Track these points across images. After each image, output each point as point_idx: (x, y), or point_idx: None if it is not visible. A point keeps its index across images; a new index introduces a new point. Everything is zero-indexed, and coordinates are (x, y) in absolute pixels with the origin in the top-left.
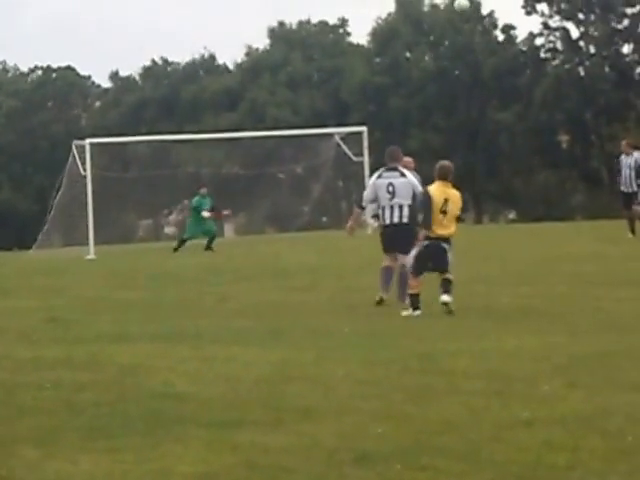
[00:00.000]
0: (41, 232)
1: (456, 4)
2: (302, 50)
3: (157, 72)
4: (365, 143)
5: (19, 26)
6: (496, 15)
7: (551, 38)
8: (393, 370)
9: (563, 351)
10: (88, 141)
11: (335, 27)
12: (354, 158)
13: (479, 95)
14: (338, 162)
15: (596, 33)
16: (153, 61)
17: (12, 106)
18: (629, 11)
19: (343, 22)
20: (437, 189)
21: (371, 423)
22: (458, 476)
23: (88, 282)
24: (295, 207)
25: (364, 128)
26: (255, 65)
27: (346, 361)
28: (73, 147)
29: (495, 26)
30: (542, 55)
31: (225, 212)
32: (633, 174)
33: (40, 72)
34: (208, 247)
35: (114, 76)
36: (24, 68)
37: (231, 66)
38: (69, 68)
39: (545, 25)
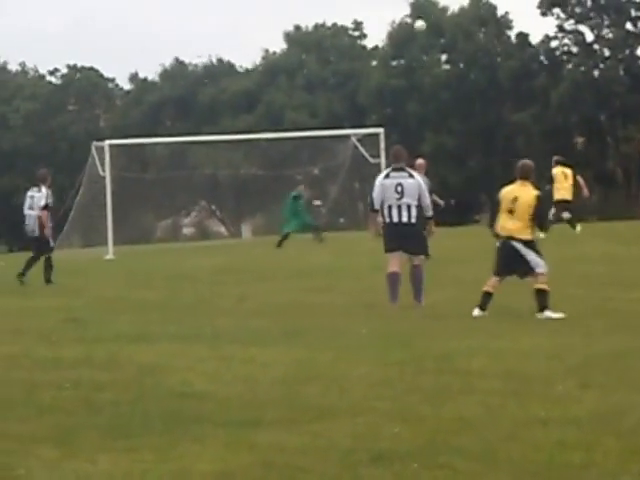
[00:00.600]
0: (61, 233)
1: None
2: (318, 53)
3: (175, 74)
4: (382, 145)
5: (39, 29)
6: (510, 17)
7: (566, 41)
8: (409, 370)
9: (577, 351)
10: (107, 142)
11: (350, 30)
12: (371, 160)
13: (495, 98)
14: (355, 164)
15: (610, 36)
16: (172, 62)
17: (31, 108)
18: None
19: (358, 25)
20: (510, 188)
21: (387, 423)
22: (474, 475)
23: (107, 282)
24: (312, 208)
25: (381, 130)
26: (272, 68)
27: (362, 362)
28: (92, 148)
29: (510, 28)
30: (557, 58)
31: (316, 202)
32: None
33: (61, 73)
34: (318, 238)
35: (134, 78)
36: (43, 70)
37: (250, 67)
38: (92, 69)
39: (560, 28)
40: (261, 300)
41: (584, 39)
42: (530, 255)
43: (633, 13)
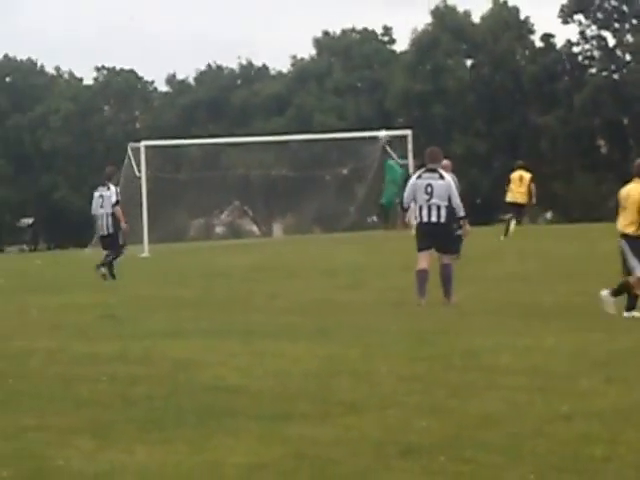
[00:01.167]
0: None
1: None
2: (346, 58)
3: (210, 77)
4: (409, 146)
5: (73, 31)
6: (532, 21)
7: (588, 46)
8: (436, 366)
9: (601, 347)
10: (143, 143)
11: (380, 35)
12: (399, 161)
13: (519, 101)
14: (383, 165)
15: (631, 41)
16: (207, 66)
17: (70, 110)
18: None
19: (387, 30)
20: (627, 187)
21: (415, 417)
22: (500, 468)
23: (143, 280)
24: (341, 208)
25: (409, 131)
26: (302, 73)
27: (391, 357)
28: (129, 149)
29: (532, 32)
30: (580, 62)
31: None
32: None
33: (99, 75)
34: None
35: (171, 79)
36: (79, 73)
37: (281, 70)
38: (131, 71)
39: (582, 34)
40: (292, 297)
41: (606, 44)
42: (629, 256)
43: None
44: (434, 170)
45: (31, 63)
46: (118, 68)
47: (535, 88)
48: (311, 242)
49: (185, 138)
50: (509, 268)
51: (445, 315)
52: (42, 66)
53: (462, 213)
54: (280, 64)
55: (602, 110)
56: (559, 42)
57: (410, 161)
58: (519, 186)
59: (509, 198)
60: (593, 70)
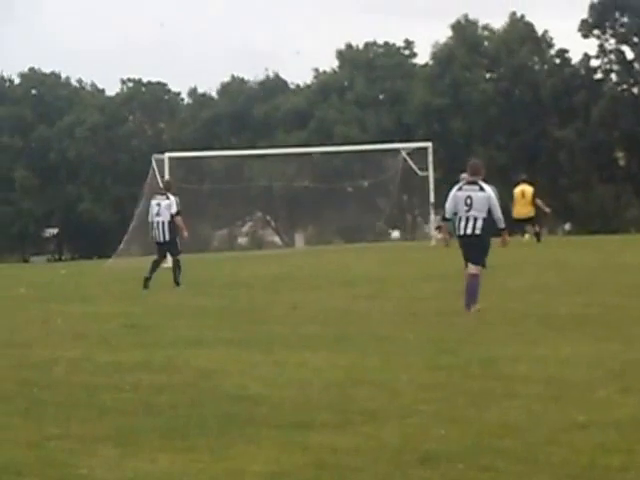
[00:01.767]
0: (122, 241)
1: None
2: (368, 71)
3: (232, 89)
4: (430, 158)
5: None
6: (550, 34)
7: (606, 60)
8: (455, 375)
9: (618, 358)
10: (167, 155)
11: (400, 48)
12: (419, 173)
13: (538, 114)
14: (404, 177)
15: None
16: (230, 78)
17: (96, 121)
18: None
19: (409, 44)
20: None
21: (434, 425)
22: (517, 476)
23: (165, 289)
24: (362, 219)
25: (429, 144)
26: (324, 85)
27: (410, 366)
28: (153, 160)
29: (550, 46)
30: (598, 76)
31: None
32: None
33: (125, 86)
34: None
35: (193, 92)
36: (102, 85)
37: (301, 84)
38: (158, 83)
39: (601, 47)
40: (313, 307)
41: (624, 57)
42: None
43: None
44: (474, 182)
45: (55, 76)
46: (145, 80)
47: (553, 101)
48: (332, 252)
49: (208, 150)
50: (529, 279)
51: (464, 325)
52: (67, 78)
53: (502, 225)
54: (302, 77)
55: (620, 122)
56: (577, 56)
57: (430, 173)
58: (521, 201)
59: (514, 214)
60: (611, 83)
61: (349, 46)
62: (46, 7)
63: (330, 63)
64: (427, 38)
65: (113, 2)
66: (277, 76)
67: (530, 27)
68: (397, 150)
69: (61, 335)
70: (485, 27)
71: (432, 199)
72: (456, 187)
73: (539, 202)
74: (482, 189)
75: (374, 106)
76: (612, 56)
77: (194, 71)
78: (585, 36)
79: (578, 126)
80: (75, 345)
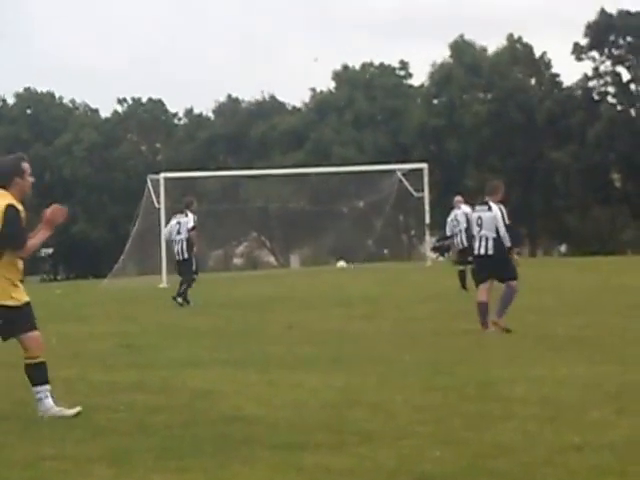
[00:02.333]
0: (118, 261)
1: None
2: (365, 91)
3: (228, 110)
4: (425, 179)
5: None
6: (548, 56)
7: (602, 82)
8: (451, 396)
9: (614, 379)
10: (162, 175)
11: (397, 69)
12: (415, 194)
13: (534, 135)
14: (399, 197)
15: None
16: (226, 98)
17: (93, 140)
18: None
19: (404, 65)
20: None
21: (429, 447)
22: None
23: (161, 310)
24: (358, 240)
25: (425, 165)
26: (321, 106)
27: (406, 387)
28: (148, 181)
29: (547, 68)
30: (594, 98)
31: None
32: None
33: (121, 105)
34: None
35: (188, 113)
36: (98, 105)
37: (298, 105)
38: (156, 102)
39: (596, 70)
40: (309, 327)
41: (620, 79)
42: None
43: None
44: (485, 202)
45: (51, 96)
46: (144, 99)
47: (549, 123)
48: (328, 273)
49: (204, 170)
50: (525, 300)
51: (461, 346)
52: (61, 97)
53: (507, 243)
54: (298, 98)
55: (616, 144)
56: (573, 78)
57: (426, 194)
58: None
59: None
60: (607, 105)
61: (345, 67)
62: (38, 25)
63: (326, 84)
64: (422, 59)
65: (106, 21)
66: (273, 97)
67: (528, 49)
68: (393, 171)
69: (56, 355)
70: (483, 48)
71: (427, 220)
72: (472, 209)
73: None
74: (490, 209)
75: (371, 126)
76: (608, 78)
77: (190, 91)
78: (579, 58)
79: (574, 148)
80: (71, 365)
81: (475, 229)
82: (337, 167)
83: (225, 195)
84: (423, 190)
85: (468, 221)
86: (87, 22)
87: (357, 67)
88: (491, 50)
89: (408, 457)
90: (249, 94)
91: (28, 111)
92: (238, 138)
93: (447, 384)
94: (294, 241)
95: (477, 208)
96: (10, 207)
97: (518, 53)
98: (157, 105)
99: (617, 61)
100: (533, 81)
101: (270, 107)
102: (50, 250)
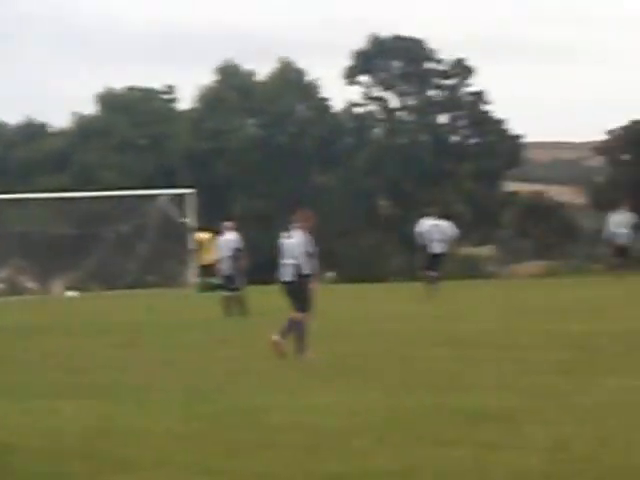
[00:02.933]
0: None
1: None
2: (130, 115)
3: None
4: (190, 205)
5: None
6: (317, 82)
7: (371, 107)
8: (212, 424)
9: (376, 407)
10: None
11: (162, 94)
12: (180, 219)
13: (302, 161)
14: (164, 223)
15: (414, 103)
16: None
17: None
18: (445, 82)
19: (170, 88)
20: None
21: (187, 476)
22: None
23: None
24: (122, 265)
25: (190, 190)
26: (84, 129)
27: (166, 415)
28: None
29: (317, 93)
30: (363, 123)
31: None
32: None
33: None
34: None
35: None
36: None
37: (62, 127)
38: None
39: (366, 95)
40: (68, 355)
41: (388, 105)
42: None
43: (435, 81)
44: (290, 230)
45: None
46: None
47: (318, 148)
48: (90, 299)
49: None
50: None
51: (224, 373)
52: None
53: (306, 271)
54: (62, 121)
55: (384, 170)
56: (343, 103)
57: (191, 219)
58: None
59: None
60: (375, 130)
61: (109, 90)
62: None
63: (91, 107)
64: (190, 83)
65: None
66: (36, 120)
67: (299, 73)
68: (158, 196)
69: None
70: (251, 72)
71: (191, 246)
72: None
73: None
74: (292, 237)
75: (135, 151)
76: (377, 103)
77: None
78: (350, 83)
79: (342, 173)
80: None
81: (282, 255)
82: (101, 192)
83: None
84: (188, 216)
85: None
86: None
87: (121, 91)
88: (262, 74)
89: None
90: (13, 117)
91: None
92: (0, 162)
93: (208, 412)
94: (56, 266)
95: (283, 234)
96: None
97: (289, 77)
98: None
99: (386, 87)
100: (303, 106)
101: (34, 130)
102: None
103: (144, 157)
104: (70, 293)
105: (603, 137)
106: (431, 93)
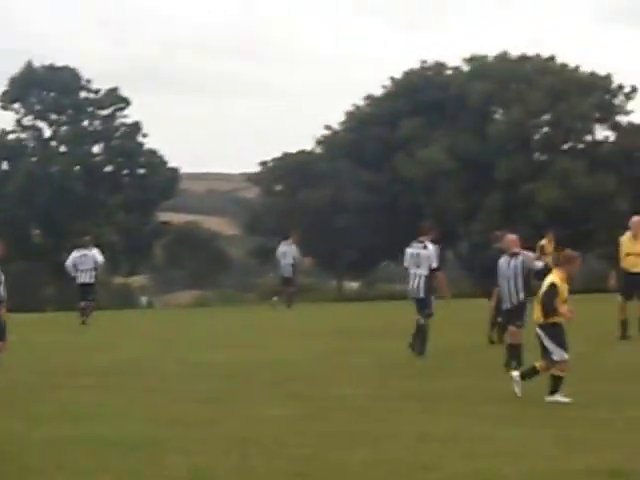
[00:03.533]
0: None
1: None
2: None
3: None
4: None
5: None
6: None
7: (24, 135)
8: None
9: (15, 439)
10: None
11: None
12: None
13: None
14: None
15: (67, 133)
16: None
17: None
18: (100, 113)
19: None
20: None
21: None
22: None
23: None
24: None
25: None
26: None
27: None
28: None
29: None
30: (15, 151)
31: None
32: None
33: None
34: None
35: None
36: None
37: None
38: None
39: (19, 122)
40: None
41: (42, 134)
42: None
43: (90, 111)
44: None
45: None
46: None
47: None
48: None
49: None
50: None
51: None
52: None
53: None
54: None
55: (35, 199)
56: None
57: None
58: None
59: None
60: (27, 159)
61: None
62: None
63: None
64: None
65: None
66: None
67: None
68: None
69: None
70: None
71: None
72: None
73: None
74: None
75: None
76: (29, 132)
77: None
78: (4, 108)
79: None
80: None
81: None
82: None
83: None
84: None
85: None
86: None
87: None
88: None
89: None
90: None
91: None
92: None
93: None
94: None
95: None
96: None
97: None
98: None
99: (39, 116)
100: None
101: None
102: None
103: None
104: None
105: (257, 169)
106: (85, 123)
